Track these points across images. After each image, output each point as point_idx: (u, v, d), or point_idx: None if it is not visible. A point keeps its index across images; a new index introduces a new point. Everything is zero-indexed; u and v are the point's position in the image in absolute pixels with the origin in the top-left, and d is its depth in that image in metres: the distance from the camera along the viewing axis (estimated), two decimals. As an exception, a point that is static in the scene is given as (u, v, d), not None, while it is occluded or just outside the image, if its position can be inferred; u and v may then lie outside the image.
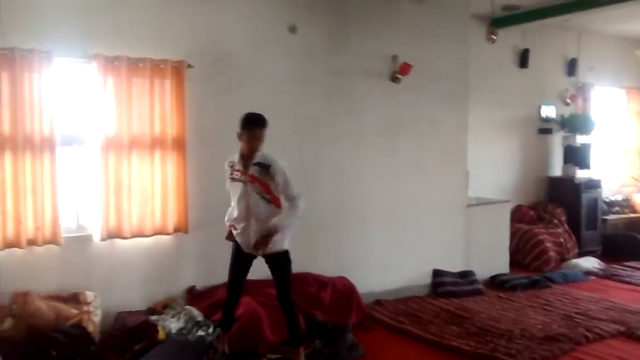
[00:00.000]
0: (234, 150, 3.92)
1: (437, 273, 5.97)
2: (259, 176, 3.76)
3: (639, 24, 7.86)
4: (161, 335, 4.01)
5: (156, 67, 4.42)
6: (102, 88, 4.26)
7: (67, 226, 4.31)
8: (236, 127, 3.83)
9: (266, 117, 3.83)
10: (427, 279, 5.96)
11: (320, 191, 5.21)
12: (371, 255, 5.59)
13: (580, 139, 8.02)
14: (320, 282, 4.85)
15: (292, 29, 5.07)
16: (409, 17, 5.78)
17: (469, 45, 6.27)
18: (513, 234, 7.02)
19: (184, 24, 4.64)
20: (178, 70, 4.51)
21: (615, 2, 5.90)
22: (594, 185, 8.04)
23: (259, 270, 4.04)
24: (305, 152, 5.19)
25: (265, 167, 3.77)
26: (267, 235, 3.75)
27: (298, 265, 4.31)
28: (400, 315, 5.14)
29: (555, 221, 7.70)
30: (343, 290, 4.86)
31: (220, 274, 4.24)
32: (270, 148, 3.89)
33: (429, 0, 5.81)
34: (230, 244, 3.98)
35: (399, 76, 5.63)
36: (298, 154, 5.03)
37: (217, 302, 4.24)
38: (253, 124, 3.78)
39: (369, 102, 5.60)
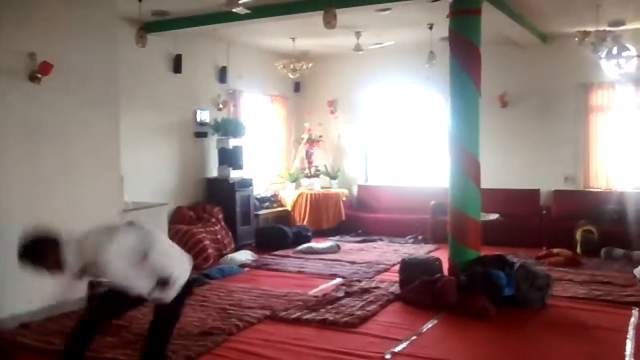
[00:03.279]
0: None
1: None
2: None
3: (275, 40, 8.89)
4: None
5: None
6: None
7: None
8: None
9: None
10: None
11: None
12: (10, 276, 4.84)
13: (233, 142, 8.61)
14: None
15: None
16: (48, 12, 5.34)
17: (118, 47, 6.09)
18: (173, 236, 7.14)
19: None
20: None
21: (249, 18, 6.51)
22: (246, 184, 8.75)
23: None
24: None
25: None
26: None
27: None
28: (51, 335, 4.73)
29: (213, 220, 8.15)
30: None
31: None
32: None
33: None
34: None
35: (39, 76, 5.17)
36: None
37: None
38: None
39: (4, 104, 5.00)
